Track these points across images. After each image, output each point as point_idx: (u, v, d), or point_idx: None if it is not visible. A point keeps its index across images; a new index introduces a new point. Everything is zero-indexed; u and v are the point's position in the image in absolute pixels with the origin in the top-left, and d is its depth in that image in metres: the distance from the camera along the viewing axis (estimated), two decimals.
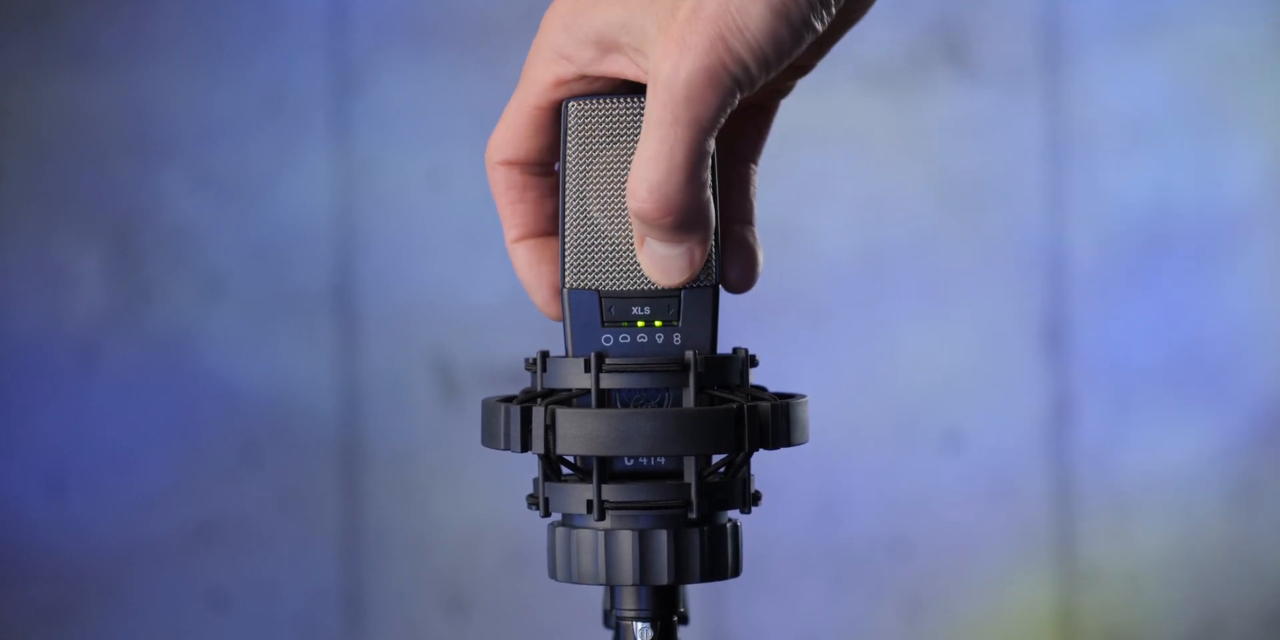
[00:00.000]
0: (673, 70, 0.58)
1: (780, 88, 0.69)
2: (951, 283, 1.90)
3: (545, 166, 0.65)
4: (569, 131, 0.63)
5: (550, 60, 0.62)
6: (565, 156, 0.63)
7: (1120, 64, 1.91)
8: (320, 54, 1.82)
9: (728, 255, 0.65)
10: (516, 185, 0.65)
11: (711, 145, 0.59)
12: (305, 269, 1.82)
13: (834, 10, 0.59)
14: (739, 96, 0.59)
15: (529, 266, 0.65)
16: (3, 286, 1.78)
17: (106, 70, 1.79)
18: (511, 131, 0.64)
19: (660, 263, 0.62)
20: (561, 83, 0.62)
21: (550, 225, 0.65)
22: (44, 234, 1.79)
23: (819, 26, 0.59)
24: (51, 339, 1.79)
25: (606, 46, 0.60)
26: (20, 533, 1.79)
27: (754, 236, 0.66)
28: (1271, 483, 1.95)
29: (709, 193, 0.61)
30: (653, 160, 0.59)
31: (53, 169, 1.79)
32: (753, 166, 0.68)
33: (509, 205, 0.65)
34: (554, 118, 0.63)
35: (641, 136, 0.59)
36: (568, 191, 0.63)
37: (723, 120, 0.59)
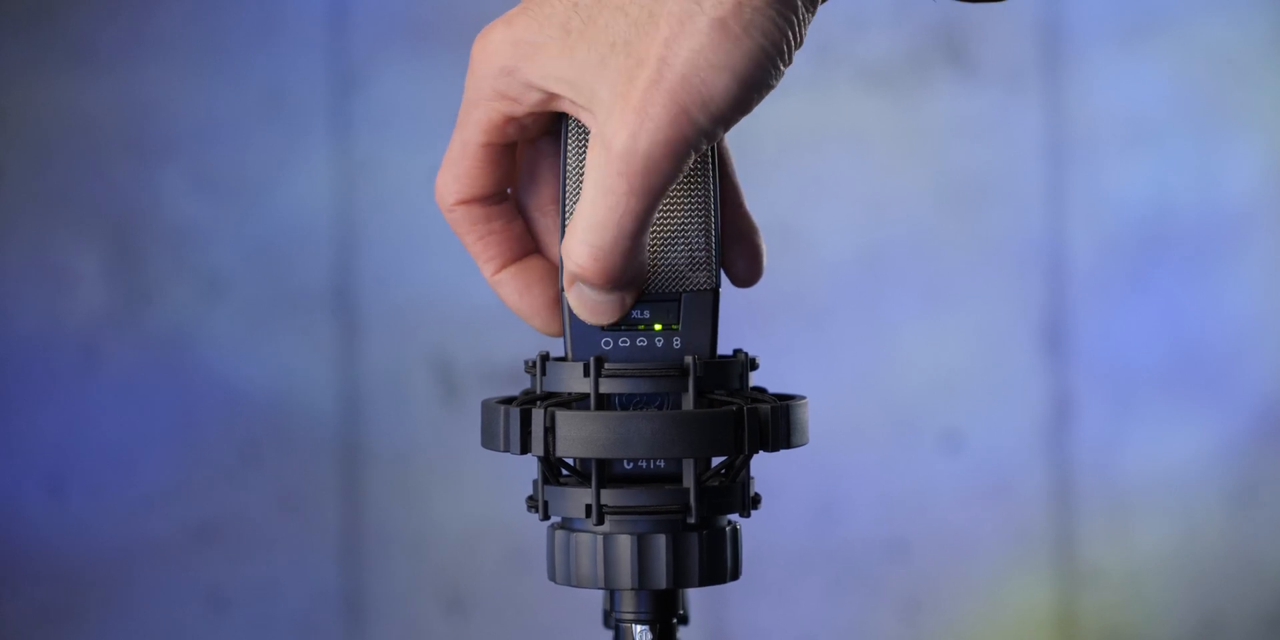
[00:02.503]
0: (630, 140, 0.56)
1: None
2: (951, 283, 1.90)
3: (502, 194, 0.64)
4: (569, 139, 0.62)
5: (494, 100, 0.60)
6: (565, 164, 0.63)
7: (1120, 64, 1.91)
8: (320, 54, 1.82)
9: (729, 248, 0.64)
10: (480, 219, 0.63)
11: (653, 213, 0.58)
12: (305, 269, 1.82)
13: (790, 61, 0.58)
14: (691, 160, 0.57)
15: (519, 294, 0.64)
16: (3, 286, 1.78)
17: (106, 70, 1.79)
18: (463, 171, 0.62)
19: (591, 306, 0.61)
20: (511, 120, 0.61)
21: (525, 244, 0.64)
22: (44, 234, 1.79)
23: (777, 80, 0.57)
24: (51, 339, 1.79)
25: (551, 95, 0.59)
26: (20, 533, 1.79)
27: (749, 223, 0.65)
28: (1271, 483, 1.95)
29: (646, 251, 0.60)
30: (600, 226, 0.58)
31: (53, 169, 1.79)
32: (722, 141, 0.66)
33: (477, 241, 0.64)
34: (505, 152, 0.62)
35: (586, 196, 0.58)
36: (569, 197, 0.63)
37: (669, 189, 0.58)
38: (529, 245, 0.64)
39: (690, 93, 0.56)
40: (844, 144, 1.87)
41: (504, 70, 0.60)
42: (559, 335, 0.64)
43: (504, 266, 0.64)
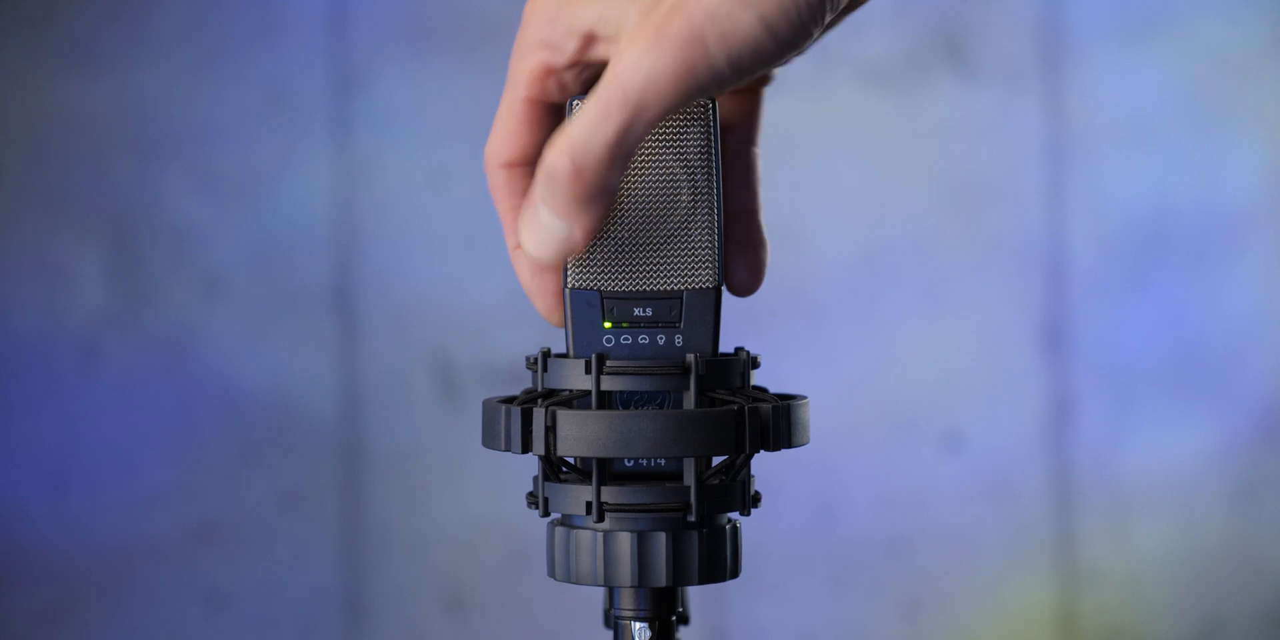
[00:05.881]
0: (641, 54, 0.56)
1: (764, 76, 0.67)
2: (951, 283, 1.90)
3: None
4: None
5: (536, 49, 0.60)
6: None
7: (1120, 64, 1.91)
8: (320, 54, 1.82)
9: (732, 257, 0.64)
10: (518, 190, 0.63)
11: (640, 137, 0.57)
12: (305, 269, 1.82)
13: (823, 26, 0.57)
14: (694, 98, 0.57)
15: (532, 274, 0.64)
16: (3, 286, 1.78)
17: (106, 70, 1.79)
18: (506, 132, 0.63)
19: (539, 234, 0.60)
20: (551, 71, 0.61)
21: None
22: (44, 234, 1.79)
23: (806, 45, 0.57)
24: (51, 339, 1.79)
25: (590, 38, 0.59)
26: (20, 533, 1.79)
27: (760, 232, 0.65)
28: (1271, 483, 1.95)
29: (615, 188, 0.59)
30: (584, 128, 0.57)
31: (53, 169, 1.79)
32: (754, 150, 0.66)
33: (509, 211, 0.64)
34: (547, 112, 0.62)
35: (584, 103, 0.58)
36: None
37: (664, 118, 0.57)
38: None
39: (712, 23, 0.55)
40: (844, 144, 1.87)
41: (549, 19, 0.59)
42: (560, 325, 0.64)
43: None
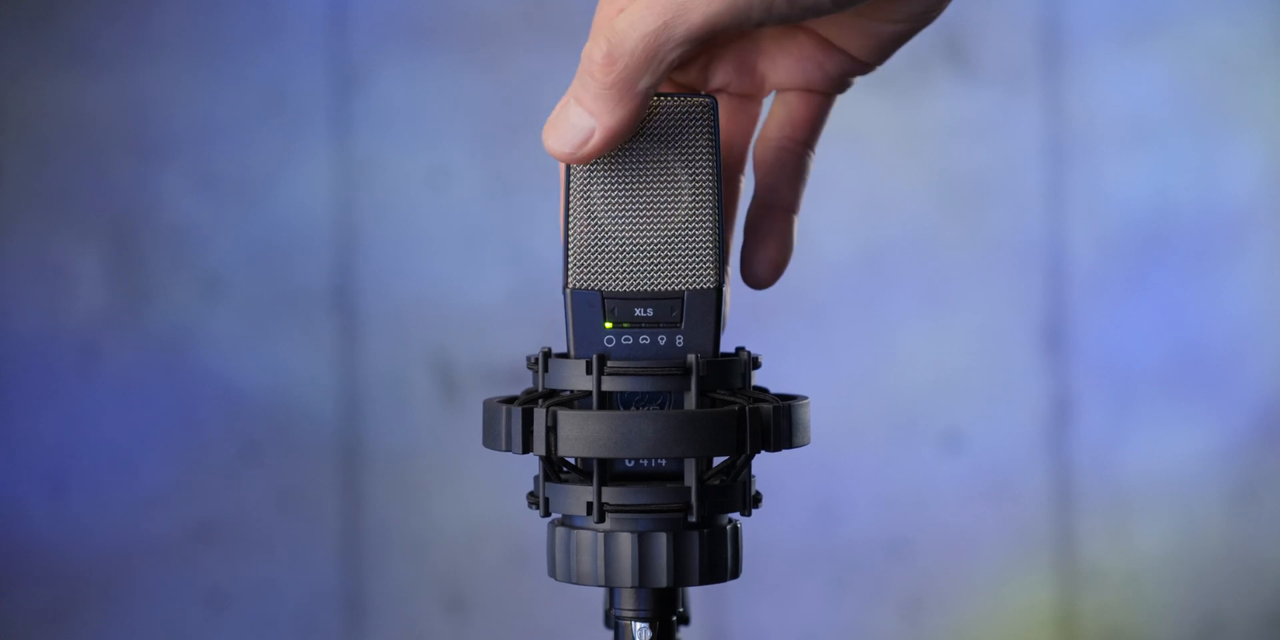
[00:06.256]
0: None
1: (841, 82, 0.69)
2: (951, 283, 1.90)
3: None
4: None
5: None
6: None
7: (1120, 64, 1.91)
8: (320, 54, 1.82)
9: (758, 249, 0.65)
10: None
11: (678, 42, 0.58)
12: (305, 269, 1.82)
13: (778, 14, 0.59)
14: (740, 25, 0.58)
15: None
16: (3, 286, 1.78)
17: (106, 70, 1.79)
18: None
19: (561, 126, 0.60)
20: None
21: None
22: (44, 234, 1.79)
23: (760, 16, 0.58)
24: (51, 339, 1.79)
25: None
26: (20, 533, 1.79)
27: (792, 231, 0.66)
28: (1271, 483, 1.95)
29: (649, 93, 0.60)
30: (626, 19, 0.58)
31: (53, 169, 1.79)
32: (810, 153, 0.67)
33: None
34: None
35: (631, 5, 0.59)
36: (572, 190, 0.63)
37: (706, 32, 0.58)
38: None
39: None
40: (844, 144, 1.87)
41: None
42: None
43: None
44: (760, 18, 0.58)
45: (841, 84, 0.68)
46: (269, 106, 1.81)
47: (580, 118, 0.60)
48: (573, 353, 0.63)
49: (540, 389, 0.63)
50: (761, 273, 0.65)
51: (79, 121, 1.78)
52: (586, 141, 0.60)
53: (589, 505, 0.61)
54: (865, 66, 0.67)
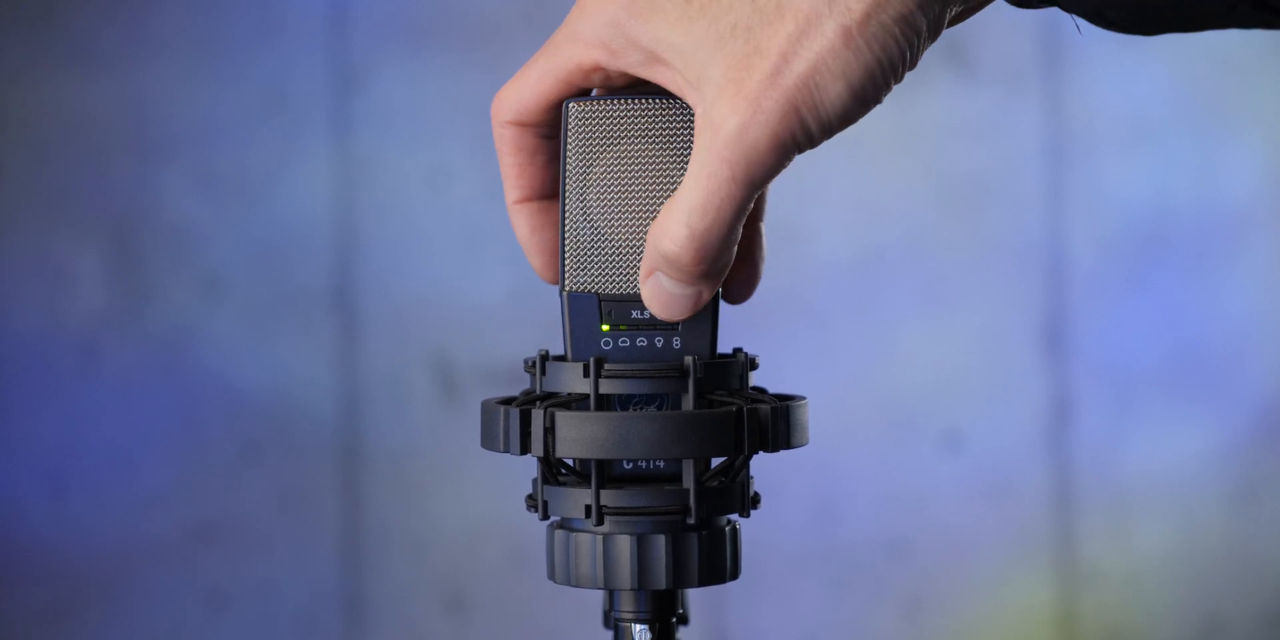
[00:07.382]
0: (740, 129, 0.56)
1: None
2: (951, 283, 1.90)
3: (555, 129, 0.64)
4: (569, 133, 0.62)
5: (592, 46, 0.60)
6: (566, 158, 0.62)
7: (1120, 64, 1.91)
8: (320, 54, 1.82)
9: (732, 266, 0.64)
10: (526, 148, 0.64)
11: (750, 208, 0.59)
12: (305, 269, 1.82)
13: (900, 79, 0.58)
14: (787, 163, 0.58)
15: (530, 231, 0.64)
16: (3, 286, 1.78)
17: (106, 70, 1.79)
18: (531, 94, 0.62)
19: (666, 299, 0.61)
20: (599, 69, 0.61)
21: (554, 189, 0.64)
22: (44, 234, 1.79)
23: (884, 97, 0.58)
24: (51, 339, 1.79)
25: (653, 58, 0.59)
26: (20, 533, 1.79)
27: (760, 243, 0.65)
28: (1271, 483, 1.95)
29: (735, 248, 0.60)
30: (700, 209, 0.58)
31: (53, 169, 1.79)
32: None
33: (515, 166, 0.64)
34: (572, 93, 0.62)
35: (689, 180, 0.58)
36: (569, 193, 0.63)
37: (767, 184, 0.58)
38: (557, 191, 0.64)
39: (805, 94, 0.56)
40: (842, 144, 1.87)
41: (613, 21, 0.59)
42: (555, 282, 0.64)
43: (527, 199, 0.64)
44: (804, 150, 0.58)
45: None
46: (269, 106, 1.81)
47: (682, 290, 0.61)
48: (570, 355, 0.63)
49: (538, 392, 0.63)
50: (736, 289, 0.65)
51: (79, 121, 1.78)
52: (699, 300, 0.61)
53: (587, 508, 0.61)
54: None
